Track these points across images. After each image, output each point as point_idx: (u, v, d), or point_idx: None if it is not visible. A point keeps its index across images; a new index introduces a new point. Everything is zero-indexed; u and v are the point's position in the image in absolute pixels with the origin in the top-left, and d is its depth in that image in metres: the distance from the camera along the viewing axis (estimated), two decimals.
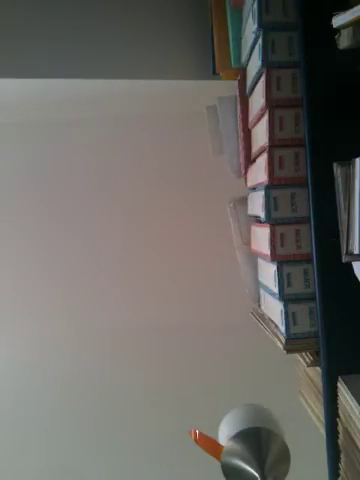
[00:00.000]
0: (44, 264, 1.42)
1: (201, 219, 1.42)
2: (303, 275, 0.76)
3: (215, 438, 0.73)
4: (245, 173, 0.98)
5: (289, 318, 0.75)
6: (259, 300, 0.96)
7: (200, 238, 1.42)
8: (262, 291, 0.93)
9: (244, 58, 0.93)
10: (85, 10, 1.10)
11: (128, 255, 1.43)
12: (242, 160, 0.97)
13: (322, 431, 0.74)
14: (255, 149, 0.88)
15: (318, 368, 0.76)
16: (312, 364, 0.76)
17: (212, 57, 1.06)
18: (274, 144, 0.76)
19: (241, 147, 0.97)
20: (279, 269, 0.76)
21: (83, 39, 1.10)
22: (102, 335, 1.39)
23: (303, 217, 0.75)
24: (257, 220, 0.88)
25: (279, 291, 0.76)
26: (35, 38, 1.08)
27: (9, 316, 1.41)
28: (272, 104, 0.76)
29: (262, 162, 0.81)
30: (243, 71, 0.95)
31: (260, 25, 0.76)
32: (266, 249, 0.79)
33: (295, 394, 0.96)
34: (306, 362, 0.77)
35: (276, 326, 0.82)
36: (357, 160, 0.57)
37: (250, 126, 0.92)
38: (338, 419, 0.67)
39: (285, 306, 0.75)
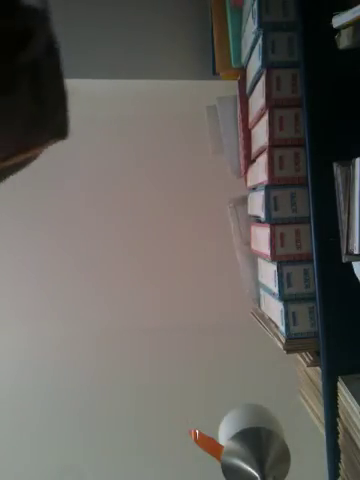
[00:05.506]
0: (42, 264, 1.42)
1: (201, 219, 1.42)
2: (303, 275, 0.76)
3: (215, 438, 0.73)
4: (245, 173, 0.98)
5: (289, 318, 0.75)
6: (259, 300, 0.96)
7: (200, 238, 1.42)
8: (262, 291, 0.93)
9: (244, 58, 0.93)
10: (85, 11, 1.10)
11: (128, 255, 1.43)
12: (242, 160, 0.97)
13: (322, 431, 0.74)
14: (255, 149, 0.88)
15: (318, 368, 0.76)
16: (312, 364, 0.76)
17: (212, 57, 1.06)
18: (274, 144, 0.76)
19: (241, 147, 0.97)
20: (279, 269, 0.76)
21: (83, 39, 1.10)
22: (102, 335, 1.39)
23: (303, 217, 0.75)
24: (257, 220, 0.88)
25: (279, 291, 0.76)
26: None
27: (8, 316, 1.40)
28: (272, 104, 0.76)
29: (262, 162, 0.81)
30: (243, 71, 0.95)
31: (260, 25, 0.76)
32: (266, 249, 0.79)
33: (295, 394, 0.96)
34: (306, 362, 0.77)
35: (276, 326, 0.82)
36: (357, 160, 0.57)
37: (250, 126, 0.92)
38: (338, 419, 0.67)
39: (285, 306, 0.75)
